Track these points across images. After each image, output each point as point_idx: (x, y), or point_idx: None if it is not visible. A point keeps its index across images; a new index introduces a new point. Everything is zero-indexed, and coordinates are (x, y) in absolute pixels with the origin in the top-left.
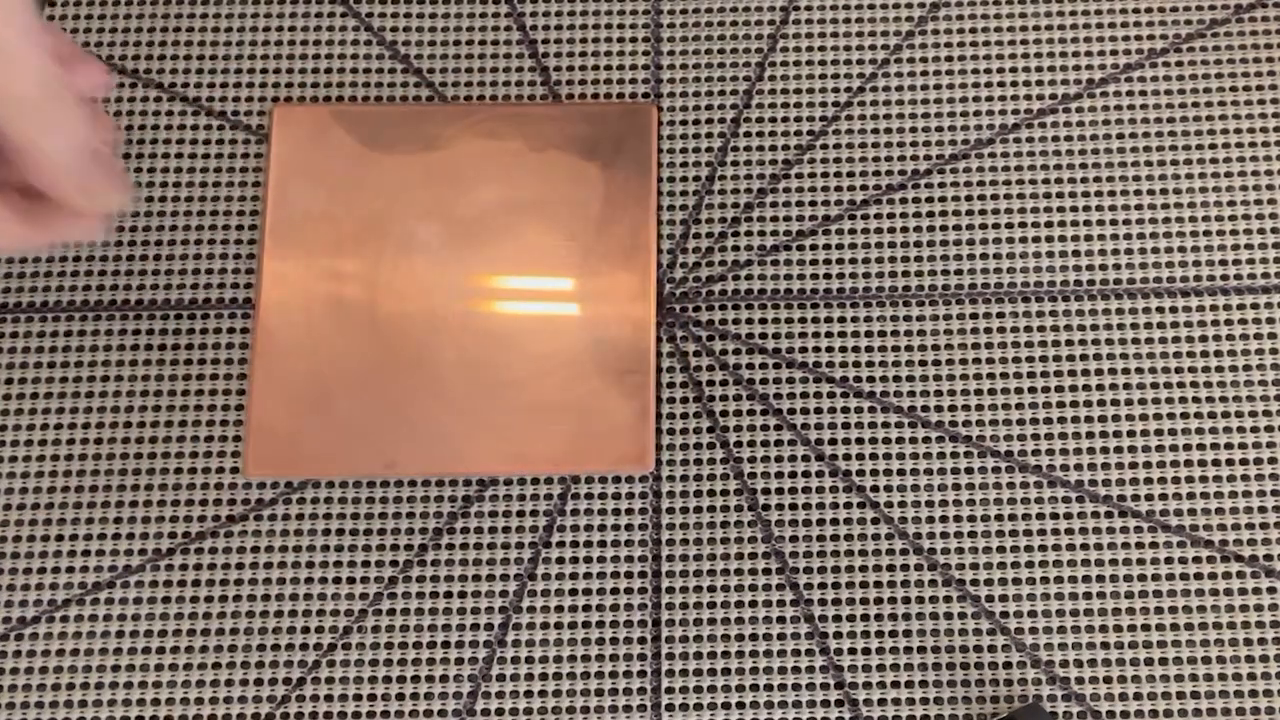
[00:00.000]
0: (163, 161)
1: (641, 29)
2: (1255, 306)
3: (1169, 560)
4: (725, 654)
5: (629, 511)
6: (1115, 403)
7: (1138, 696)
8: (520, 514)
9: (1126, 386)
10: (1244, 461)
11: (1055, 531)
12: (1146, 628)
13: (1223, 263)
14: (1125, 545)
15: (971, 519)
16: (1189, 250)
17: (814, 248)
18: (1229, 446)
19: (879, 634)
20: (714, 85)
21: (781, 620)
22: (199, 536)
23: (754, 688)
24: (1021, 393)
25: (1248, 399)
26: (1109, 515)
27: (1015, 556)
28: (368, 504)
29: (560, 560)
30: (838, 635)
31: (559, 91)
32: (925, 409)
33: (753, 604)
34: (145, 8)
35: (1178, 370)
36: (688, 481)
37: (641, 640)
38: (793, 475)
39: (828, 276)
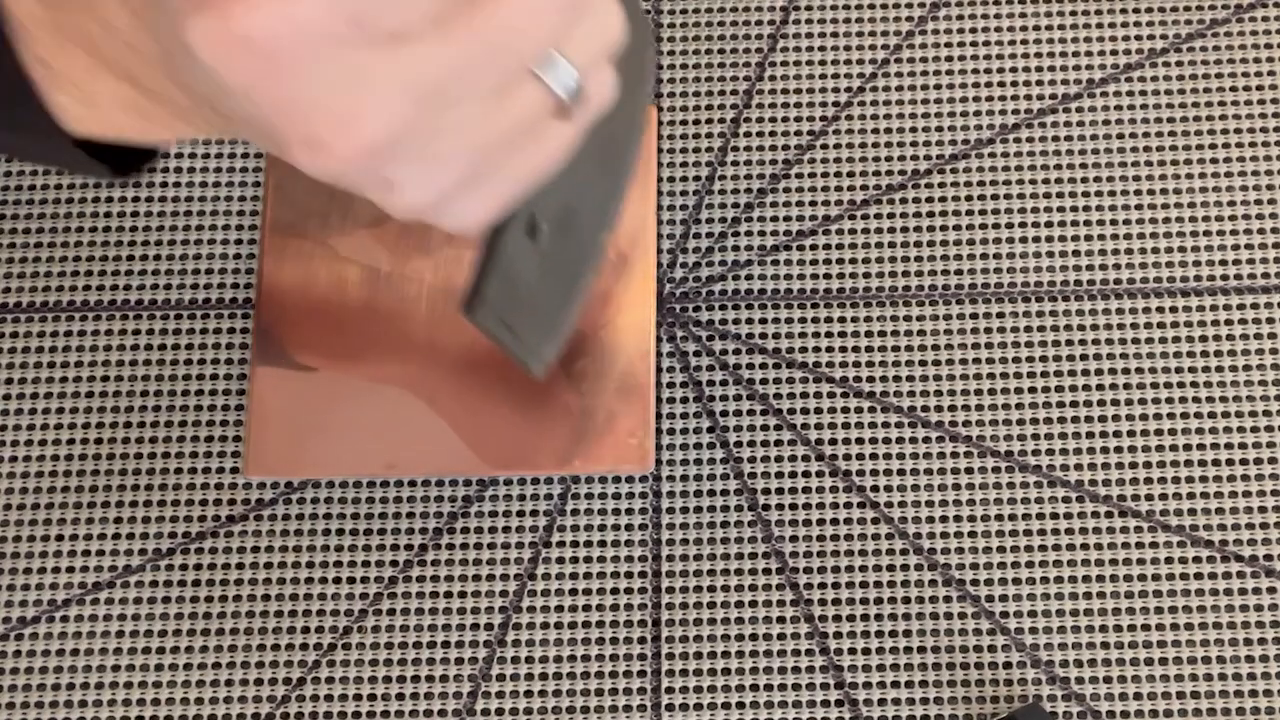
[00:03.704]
0: (162, 161)
1: None
2: (1255, 306)
3: (1169, 560)
4: (725, 654)
5: (629, 511)
6: (1115, 403)
7: (1138, 696)
8: (520, 514)
9: (1126, 386)
10: (1244, 461)
11: (1055, 531)
12: (1146, 628)
13: (1223, 263)
14: (1125, 545)
15: (971, 519)
16: (1189, 250)
17: (814, 248)
18: (1229, 446)
19: (879, 634)
20: (714, 85)
21: (781, 620)
22: (199, 536)
23: (754, 688)
24: (1021, 393)
25: (1248, 399)
26: (1109, 515)
27: (1015, 556)
28: (368, 504)
29: (560, 560)
30: (838, 635)
31: None
32: (925, 409)
33: (753, 604)
34: None
35: (1178, 370)
36: (688, 481)
37: (641, 640)
38: (793, 475)
39: (828, 276)
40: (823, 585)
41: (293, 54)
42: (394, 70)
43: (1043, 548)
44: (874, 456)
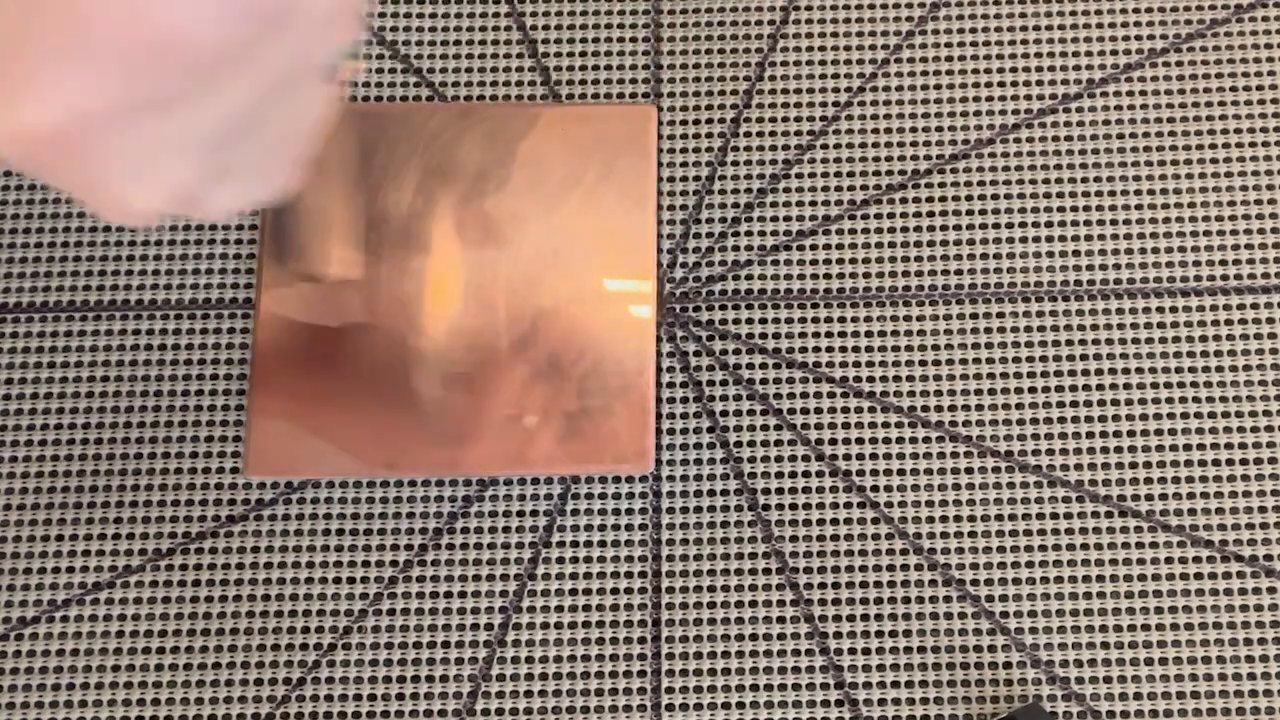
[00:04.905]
0: None
1: (641, 29)
2: (1255, 306)
3: (1169, 560)
4: (725, 654)
5: (629, 511)
6: (1115, 403)
7: (1138, 696)
8: (520, 514)
9: (1126, 386)
10: (1244, 461)
11: (1055, 531)
12: (1146, 628)
13: (1223, 263)
14: (1125, 545)
15: (971, 519)
16: (1189, 250)
17: (814, 248)
18: (1229, 446)
19: (879, 634)
20: (714, 85)
21: (781, 620)
22: (199, 536)
23: (754, 688)
24: (1021, 393)
25: (1248, 399)
26: (1109, 515)
27: (1015, 556)
28: (368, 504)
29: (560, 560)
30: (838, 635)
31: (559, 91)
32: (925, 409)
33: (753, 604)
34: None
35: (1178, 370)
36: (688, 481)
37: (641, 640)
38: (793, 475)
39: (828, 276)
40: (823, 585)
41: (80, 140)
42: (179, 133)
43: (1043, 548)
44: (874, 456)
